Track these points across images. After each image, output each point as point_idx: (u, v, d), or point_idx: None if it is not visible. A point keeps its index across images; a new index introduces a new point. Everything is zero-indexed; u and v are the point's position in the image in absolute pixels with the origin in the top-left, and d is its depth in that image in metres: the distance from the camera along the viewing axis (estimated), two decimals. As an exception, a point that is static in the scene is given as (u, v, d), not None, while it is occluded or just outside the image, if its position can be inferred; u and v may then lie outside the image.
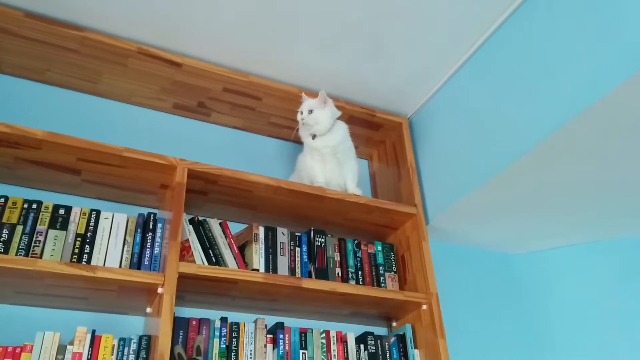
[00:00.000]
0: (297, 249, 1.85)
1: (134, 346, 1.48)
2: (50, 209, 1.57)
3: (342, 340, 1.79)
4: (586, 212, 2.12)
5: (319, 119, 1.94)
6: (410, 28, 1.92)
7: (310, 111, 1.94)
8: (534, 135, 1.70)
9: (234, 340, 1.62)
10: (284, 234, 1.85)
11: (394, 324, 2.03)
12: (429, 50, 2.03)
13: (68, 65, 1.89)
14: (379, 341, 1.84)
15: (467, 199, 1.97)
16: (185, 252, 1.64)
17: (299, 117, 1.97)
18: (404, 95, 2.23)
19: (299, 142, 2.10)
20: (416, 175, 2.17)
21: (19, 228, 1.51)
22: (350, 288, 1.77)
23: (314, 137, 1.97)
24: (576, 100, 1.57)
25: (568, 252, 2.40)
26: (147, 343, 1.49)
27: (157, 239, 1.64)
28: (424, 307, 1.89)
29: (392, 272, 2.01)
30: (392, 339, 1.87)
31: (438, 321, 1.85)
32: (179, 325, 1.57)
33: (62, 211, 1.58)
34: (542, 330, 2.34)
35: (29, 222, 1.53)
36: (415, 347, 1.88)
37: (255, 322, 1.68)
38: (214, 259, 1.68)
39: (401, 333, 1.90)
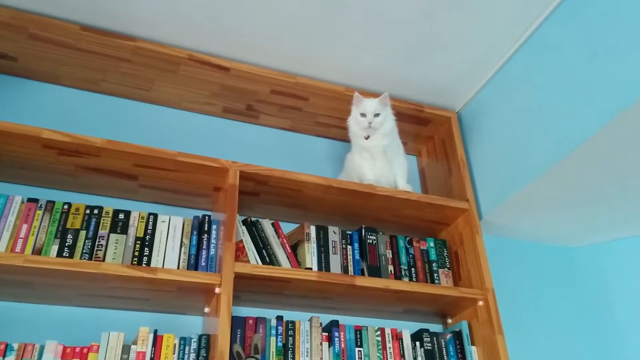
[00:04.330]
0: (349, 247, 1.85)
1: (194, 345, 1.52)
2: (110, 214, 1.63)
3: (398, 337, 1.78)
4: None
5: (385, 122, 1.92)
6: (457, 21, 1.89)
7: (377, 115, 1.90)
8: (591, 124, 1.64)
9: (290, 338, 1.64)
10: (335, 233, 1.85)
11: (449, 320, 2.00)
12: (477, 43, 1.99)
13: (122, 75, 1.95)
14: (434, 338, 1.82)
15: (522, 193, 1.92)
16: (239, 253, 1.67)
17: (361, 120, 1.91)
18: (452, 89, 2.20)
19: (346, 140, 2.10)
20: (467, 169, 2.13)
21: (82, 233, 1.58)
22: (404, 285, 1.75)
23: (367, 137, 1.94)
24: (634, 87, 1.50)
25: (632, 243, 2.29)
26: (206, 342, 1.52)
27: (213, 241, 1.68)
28: (480, 303, 1.86)
29: (446, 269, 1.98)
30: (448, 336, 1.84)
31: (495, 317, 1.81)
32: (237, 324, 1.60)
33: (121, 216, 1.64)
34: (604, 325, 2.24)
35: (92, 227, 1.59)
36: (473, 344, 1.85)
37: (310, 320, 1.69)
38: (267, 258, 1.70)
39: (457, 330, 1.88)
